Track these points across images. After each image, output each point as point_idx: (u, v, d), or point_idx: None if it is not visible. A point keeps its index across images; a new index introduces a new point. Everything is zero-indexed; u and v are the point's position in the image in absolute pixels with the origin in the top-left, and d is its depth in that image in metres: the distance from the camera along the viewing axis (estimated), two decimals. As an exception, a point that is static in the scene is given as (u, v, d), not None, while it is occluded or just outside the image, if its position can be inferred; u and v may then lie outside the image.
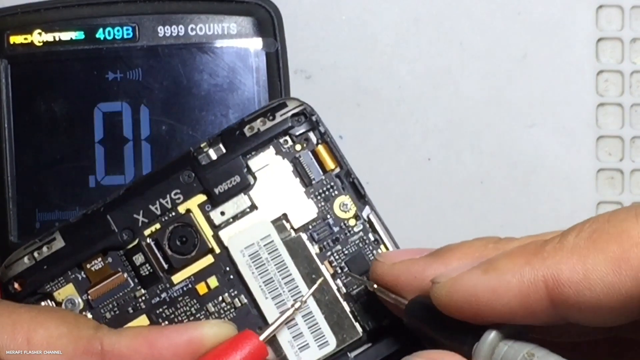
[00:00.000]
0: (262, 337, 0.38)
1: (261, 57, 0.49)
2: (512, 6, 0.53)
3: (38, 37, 0.48)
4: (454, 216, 0.53)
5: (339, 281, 0.40)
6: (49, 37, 0.48)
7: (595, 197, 0.53)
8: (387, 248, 0.40)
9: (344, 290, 0.40)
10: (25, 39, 0.48)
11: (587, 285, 0.31)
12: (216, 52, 0.49)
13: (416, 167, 0.53)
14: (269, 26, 0.49)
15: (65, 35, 0.48)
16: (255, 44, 0.49)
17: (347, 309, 0.40)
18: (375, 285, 0.38)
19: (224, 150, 0.41)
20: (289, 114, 0.41)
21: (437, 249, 0.36)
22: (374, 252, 0.40)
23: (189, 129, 0.48)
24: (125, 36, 0.48)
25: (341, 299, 0.40)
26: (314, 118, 0.41)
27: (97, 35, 0.48)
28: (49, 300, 0.40)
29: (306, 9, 0.52)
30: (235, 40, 0.49)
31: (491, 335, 0.33)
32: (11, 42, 0.48)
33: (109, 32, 0.48)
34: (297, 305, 0.39)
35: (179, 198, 0.40)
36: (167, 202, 0.40)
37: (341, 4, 0.53)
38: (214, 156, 0.41)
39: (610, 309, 0.31)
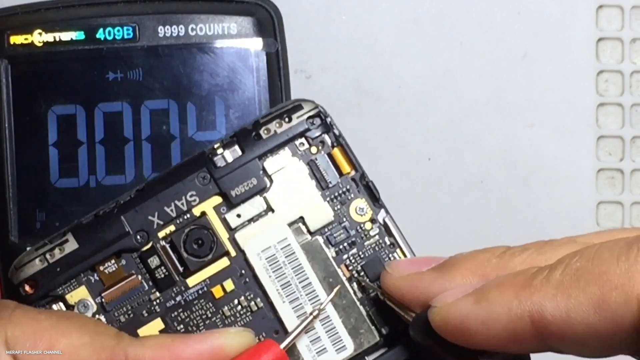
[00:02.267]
0: (282, 346, 0.38)
1: (261, 57, 0.49)
2: (512, 6, 0.53)
3: (38, 37, 0.48)
4: (454, 216, 0.53)
5: (355, 285, 0.40)
6: (49, 37, 0.48)
7: (595, 197, 0.53)
8: (402, 252, 0.40)
9: (360, 294, 0.40)
10: (26, 39, 0.48)
11: (569, 324, 0.31)
12: (216, 52, 0.49)
13: (416, 167, 0.53)
14: (269, 26, 0.49)
15: (66, 36, 0.48)
16: (255, 44, 0.49)
17: (364, 312, 0.40)
18: (385, 296, 0.38)
19: (240, 152, 0.40)
20: (305, 116, 0.41)
21: (444, 260, 0.36)
22: (390, 255, 0.40)
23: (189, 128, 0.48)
24: (125, 36, 0.48)
25: (358, 303, 0.40)
26: (328, 120, 0.41)
27: (98, 36, 0.48)
28: (60, 303, 0.39)
29: (306, 9, 0.53)
30: (235, 40, 0.49)
31: None
32: (11, 42, 0.48)
33: (109, 32, 0.48)
34: (316, 313, 0.39)
35: (194, 200, 0.40)
36: (182, 203, 0.40)
37: (341, 4, 0.53)
38: (230, 158, 0.40)
39: (593, 346, 0.32)
